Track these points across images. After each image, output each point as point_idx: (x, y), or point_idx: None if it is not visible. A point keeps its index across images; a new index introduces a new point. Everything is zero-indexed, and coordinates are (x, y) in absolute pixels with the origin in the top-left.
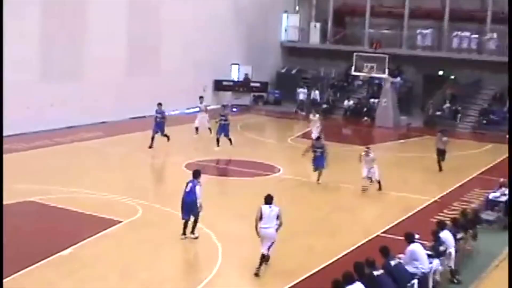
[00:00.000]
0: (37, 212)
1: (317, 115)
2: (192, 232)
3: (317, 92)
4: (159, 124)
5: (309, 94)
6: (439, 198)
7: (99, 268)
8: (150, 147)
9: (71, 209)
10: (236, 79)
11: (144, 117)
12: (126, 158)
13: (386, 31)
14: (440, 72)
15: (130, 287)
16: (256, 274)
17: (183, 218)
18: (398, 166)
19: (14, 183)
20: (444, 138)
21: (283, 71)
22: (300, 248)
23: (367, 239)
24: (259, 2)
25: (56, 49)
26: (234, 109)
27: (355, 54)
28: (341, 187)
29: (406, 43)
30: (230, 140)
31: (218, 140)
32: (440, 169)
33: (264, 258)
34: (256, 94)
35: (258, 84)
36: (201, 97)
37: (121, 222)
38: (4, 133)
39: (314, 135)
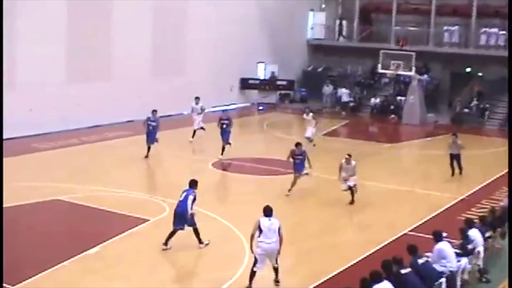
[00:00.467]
0: (64, 210)
1: (311, 114)
2: (200, 242)
3: (344, 90)
4: (152, 133)
5: (335, 92)
6: (466, 196)
7: (125, 266)
8: (146, 156)
9: (98, 208)
10: (262, 78)
11: (170, 116)
12: (153, 157)
13: (412, 28)
14: (468, 69)
15: (157, 286)
16: (277, 282)
17: (174, 228)
18: (425, 164)
19: (41, 182)
20: (459, 142)
21: (309, 69)
22: (327, 246)
23: (394, 237)
24: (285, 1)
25: (82, 50)
26: (261, 108)
27: (381, 51)
28: (366, 184)
29: (433, 40)
30: (228, 143)
31: (223, 148)
32: (456, 172)
33: (277, 269)
34: (283, 92)
35: (284, 82)
36: (197, 98)
37: (148, 220)
38: (31, 133)
39: (308, 135)
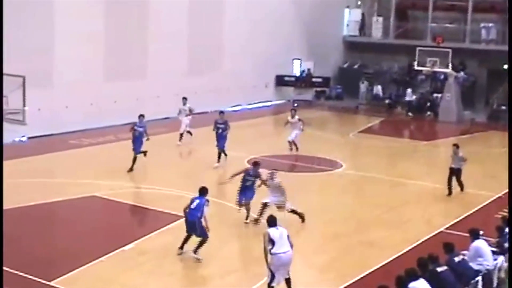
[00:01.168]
0: (101, 207)
1: (297, 117)
2: (195, 251)
3: (379, 87)
4: (138, 139)
5: (371, 89)
6: (503, 194)
7: (161, 263)
8: (131, 169)
9: (134, 204)
10: (298, 75)
11: (207, 112)
12: (189, 153)
13: (449, 25)
14: (505, 66)
15: (193, 282)
16: None
17: (187, 232)
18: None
19: (77, 178)
20: (461, 154)
21: (345, 66)
22: (363, 243)
23: (430, 235)
24: None
25: (119, 48)
26: (295, 105)
27: (418, 48)
28: (404, 182)
29: (469, 37)
30: (224, 153)
31: (219, 155)
32: (450, 192)
33: (290, 282)
34: (318, 89)
35: (320, 79)
36: (184, 98)
37: (184, 217)
38: (69, 129)
39: (291, 138)
